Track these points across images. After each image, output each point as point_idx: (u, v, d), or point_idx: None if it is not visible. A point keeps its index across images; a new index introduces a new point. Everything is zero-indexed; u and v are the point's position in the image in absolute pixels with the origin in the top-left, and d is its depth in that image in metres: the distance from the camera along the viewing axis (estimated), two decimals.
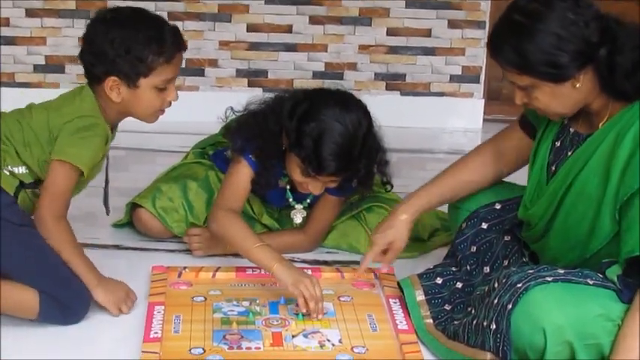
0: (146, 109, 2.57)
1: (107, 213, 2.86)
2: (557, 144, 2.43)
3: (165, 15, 4.28)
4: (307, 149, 2.62)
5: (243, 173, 2.82)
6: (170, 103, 2.60)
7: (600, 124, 2.30)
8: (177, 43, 2.57)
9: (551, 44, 2.18)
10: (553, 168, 2.41)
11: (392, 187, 3.03)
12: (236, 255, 2.95)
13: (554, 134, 2.45)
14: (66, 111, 2.54)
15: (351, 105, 2.73)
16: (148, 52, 2.49)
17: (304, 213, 3.03)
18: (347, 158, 2.65)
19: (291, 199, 3.01)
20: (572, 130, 2.39)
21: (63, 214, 2.54)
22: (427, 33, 4.43)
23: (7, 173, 2.52)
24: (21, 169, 2.54)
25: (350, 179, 2.82)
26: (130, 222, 3.13)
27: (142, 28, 2.50)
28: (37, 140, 2.53)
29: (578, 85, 2.23)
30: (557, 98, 2.27)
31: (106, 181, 2.76)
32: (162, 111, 2.61)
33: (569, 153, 2.37)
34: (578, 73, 2.21)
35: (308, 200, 3.02)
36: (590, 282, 2.21)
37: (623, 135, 2.22)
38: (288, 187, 2.97)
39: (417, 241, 3.06)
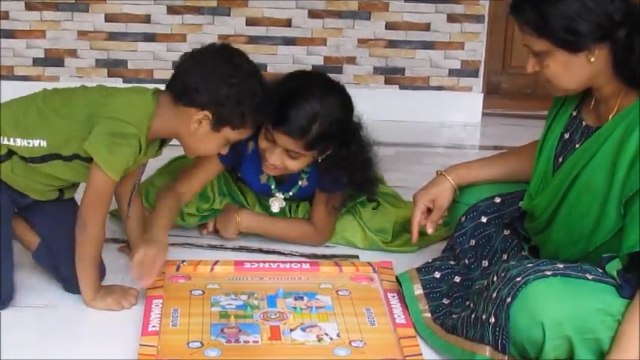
0: (205, 149, 2.60)
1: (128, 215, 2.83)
2: (566, 136, 2.42)
3: (164, 9, 4.31)
4: (279, 99, 2.67)
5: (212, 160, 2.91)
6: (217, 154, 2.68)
7: (610, 116, 2.30)
8: (268, 117, 2.64)
9: (575, 11, 2.17)
10: (560, 159, 2.40)
11: (378, 203, 3.05)
12: (236, 250, 2.96)
13: (562, 125, 2.44)
14: (112, 102, 2.52)
15: (338, 93, 2.77)
16: (252, 115, 2.52)
17: (283, 203, 3.04)
18: (307, 123, 2.67)
19: (273, 186, 3.01)
20: (584, 123, 2.39)
21: (106, 216, 2.56)
22: (426, 27, 4.43)
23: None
24: (37, 142, 2.52)
25: (316, 161, 2.82)
26: None
27: (258, 91, 2.52)
28: (72, 115, 2.51)
29: (592, 60, 2.22)
30: (569, 69, 2.25)
31: (134, 187, 2.75)
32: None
33: (577, 145, 2.36)
34: (594, 47, 2.20)
35: (290, 192, 3.03)
36: (590, 277, 2.21)
37: (632, 129, 2.21)
38: (268, 176, 2.97)
39: None
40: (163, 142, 2.65)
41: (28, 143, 2.52)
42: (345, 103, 2.79)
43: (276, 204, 3.05)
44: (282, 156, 2.76)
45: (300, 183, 3.01)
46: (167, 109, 2.53)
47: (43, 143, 2.51)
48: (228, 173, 3.10)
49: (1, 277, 2.54)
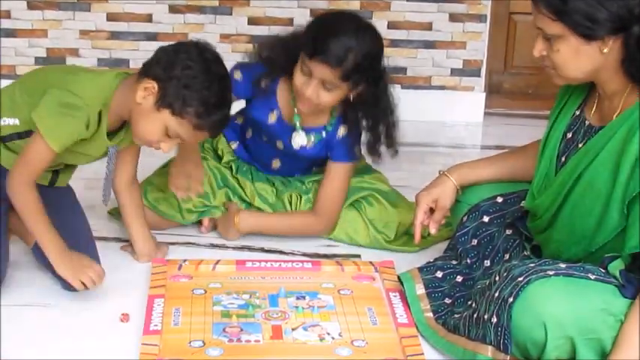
0: (144, 133, 2.55)
1: (104, 203, 2.84)
2: (569, 135, 2.42)
3: (166, 8, 4.31)
4: (316, 32, 2.78)
5: None
6: (159, 149, 2.59)
7: (614, 116, 2.29)
8: (215, 127, 2.57)
9: None
10: (563, 159, 2.40)
11: (396, 152, 3.05)
12: (238, 248, 2.96)
13: (565, 125, 2.44)
14: (69, 78, 2.54)
15: (372, 29, 2.86)
16: (195, 107, 2.48)
17: (304, 140, 3.02)
18: (344, 53, 2.73)
19: (298, 123, 3.00)
20: (587, 122, 2.38)
21: (32, 182, 2.52)
22: (428, 26, 4.42)
23: None
24: (10, 121, 2.55)
25: (349, 95, 2.86)
26: None
27: (213, 90, 2.50)
28: (34, 91, 2.54)
29: (605, 50, 2.21)
30: (579, 57, 2.23)
31: (107, 176, 2.75)
32: (150, 144, 2.59)
33: (580, 145, 2.35)
34: (609, 38, 2.19)
35: (312, 137, 3.02)
36: (592, 277, 2.21)
37: (635, 130, 2.20)
38: (296, 111, 2.97)
39: None
40: (121, 128, 2.66)
41: (4, 122, 2.56)
42: (379, 38, 2.87)
43: (298, 140, 3.02)
44: (318, 88, 2.80)
45: (322, 134, 3.03)
46: (128, 87, 2.55)
47: (16, 121, 2.56)
48: (226, 163, 3.15)
49: None
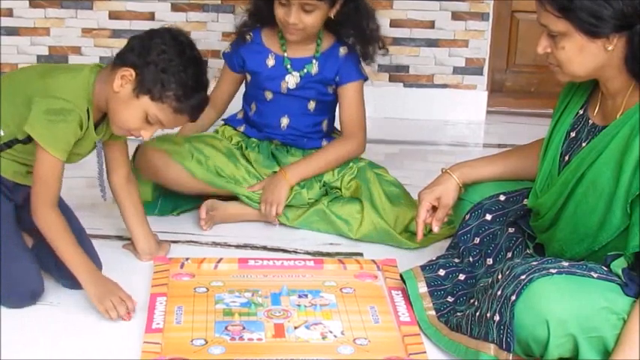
0: (124, 121, 2.55)
1: (103, 198, 2.83)
2: (572, 134, 2.41)
3: (168, 6, 4.30)
4: None
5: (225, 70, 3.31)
6: (139, 137, 2.59)
7: (618, 115, 2.29)
8: (194, 110, 2.58)
9: None
10: (566, 158, 2.40)
11: (387, 50, 3.28)
12: (240, 247, 2.96)
13: (568, 124, 2.43)
14: (49, 82, 2.53)
15: None
16: (174, 90, 2.49)
17: (298, 79, 3.18)
18: None
19: (289, 66, 3.17)
20: (590, 121, 2.38)
21: (54, 202, 2.52)
22: (430, 25, 4.42)
23: None
24: None
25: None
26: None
27: (189, 72, 2.52)
28: (14, 99, 2.53)
29: (609, 48, 2.20)
30: (583, 55, 2.23)
31: (100, 170, 2.75)
32: (130, 133, 2.59)
33: (584, 144, 2.35)
34: (613, 35, 2.19)
35: (305, 70, 3.17)
36: (595, 275, 2.20)
37: (637, 130, 2.20)
38: (285, 54, 3.18)
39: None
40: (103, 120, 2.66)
41: None
42: None
43: (292, 80, 3.19)
44: (299, 13, 3.01)
45: (313, 63, 3.18)
46: (104, 79, 2.55)
47: (0, 132, 2.55)
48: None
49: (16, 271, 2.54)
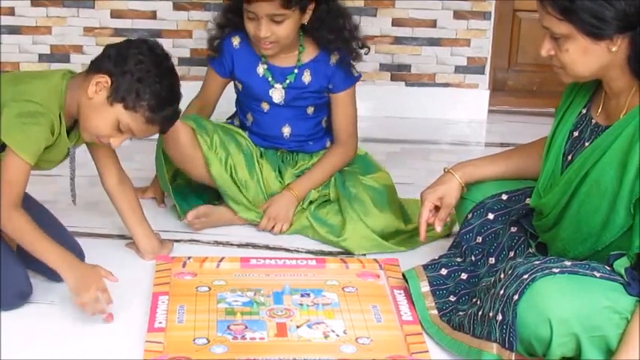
0: (95, 128, 2.55)
1: (74, 203, 2.81)
2: (575, 133, 2.41)
3: (170, 5, 4.30)
4: None
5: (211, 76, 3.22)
6: (108, 144, 2.59)
7: (621, 115, 2.29)
8: (166, 122, 2.61)
9: None
10: (569, 157, 2.40)
11: (368, 49, 3.19)
12: (242, 246, 2.96)
13: (571, 123, 2.43)
14: (22, 88, 2.53)
15: None
16: (148, 100, 2.51)
17: (283, 93, 3.12)
18: None
19: (270, 78, 3.11)
20: (593, 121, 2.38)
21: (17, 204, 2.49)
22: (432, 24, 4.42)
23: None
24: None
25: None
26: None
27: (164, 84, 2.53)
28: None
29: (613, 49, 2.20)
30: (587, 57, 2.23)
31: (72, 175, 2.74)
32: (99, 140, 2.59)
33: (587, 144, 2.35)
34: (617, 36, 2.18)
35: (287, 81, 3.11)
36: (597, 274, 2.20)
37: None
38: (265, 66, 3.11)
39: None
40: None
41: None
42: None
43: (277, 94, 3.13)
44: (269, 25, 2.94)
45: (302, 76, 3.12)
46: (77, 85, 2.56)
47: None
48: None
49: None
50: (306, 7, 2.98)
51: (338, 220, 3.08)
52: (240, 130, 3.22)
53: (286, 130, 3.18)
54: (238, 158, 3.11)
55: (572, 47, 2.22)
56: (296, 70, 3.11)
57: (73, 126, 2.63)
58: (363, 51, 3.15)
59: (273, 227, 3.09)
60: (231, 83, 3.24)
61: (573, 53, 2.23)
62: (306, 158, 3.23)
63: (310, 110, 3.18)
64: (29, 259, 2.56)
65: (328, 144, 3.25)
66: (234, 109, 3.31)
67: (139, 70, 2.51)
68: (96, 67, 2.56)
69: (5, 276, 2.51)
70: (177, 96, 2.61)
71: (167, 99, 2.55)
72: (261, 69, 3.12)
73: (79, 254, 2.67)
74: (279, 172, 3.19)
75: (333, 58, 3.11)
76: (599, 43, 2.20)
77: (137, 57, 2.52)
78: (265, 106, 3.16)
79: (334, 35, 3.07)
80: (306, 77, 3.12)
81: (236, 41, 3.13)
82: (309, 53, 3.12)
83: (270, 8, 2.89)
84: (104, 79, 2.51)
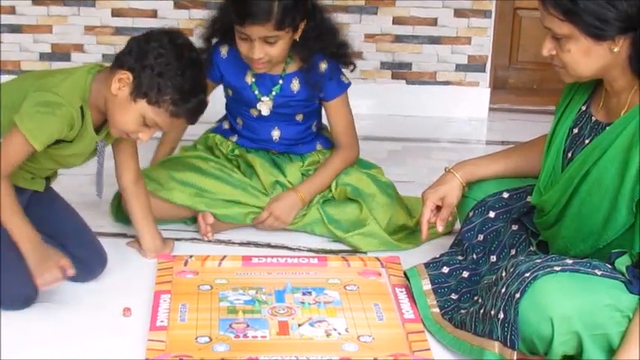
0: (122, 124, 2.55)
1: (99, 196, 2.83)
2: (575, 130, 2.42)
3: (171, 4, 4.31)
4: (232, 0, 2.90)
5: None
6: (137, 139, 2.60)
7: (622, 113, 2.29)
8: (192, 114, 2.58)
9: None
10: (569, 155, 2.40)
11: (354, 66, 3.18)
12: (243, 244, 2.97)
13: (571, 120, 2.43)
14: (44, 81, 2.53)
15: None
16: (170, 94, 2.49)
17: (270, 104, 3.10)
18: (267, 5, 2.83)
19: (257, 92, 3.09)
20: (593, 118, 2.38)
21: (6, 174, 2.47)
22: (433, 22, 4.42)
23: None
24: None
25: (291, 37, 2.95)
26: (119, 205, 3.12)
27: (187, 76, 2.51)
28: (13, 105, 2.52)
29: (615, 50, 2.20)
30: (589, 57, 2.23)
31: (99, 170, 2.74)
32: (128, 135, 2.59)
33: (587, 141, 2.35)
34: (619, 37, 2.19)
35: (273, 92, 3.09)
36: (599, 273, 2.21)
37: None
38: (253, 79, 3.09)
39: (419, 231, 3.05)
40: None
41: None
42: None
43: (265, 107, 3.11)
44: (262, 46, 2.90)
45: (290, 84, 3.09)
46: (103, 80, 2.55)
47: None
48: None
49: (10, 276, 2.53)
50: (298, 26, 2.95)
51: (345, 216, 3.09)
52: (195, 152, 3.20)
53: (276, 134, 3.16)
54: (208, 182, 3.08)
55: (574, 48, 2.23)
56: (281, 81, 3.09)
57: (105, 120, 2.62)
58: (349, 68, 3.15)
59: (265, 221, 3.08)
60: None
61: (575, 54, 2.24)
62: (298, 159, 3.20)
63: (299, 117, 3.16)
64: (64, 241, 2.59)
65: (319, 147, 3.23)
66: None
67: (159, 65, 2.49)
68: (119, 62, 2.54)
69: (10, 280, 2.50)
70: (201, 87, 2.57)
71: (190, 91, 2.52)
72: (249, 78, 3.09)
73: (102, 262, 2.70)
74: (277, 165, 3.19)
75: (323, 66, 3.08)
76: (601, 44, 2.20)
77: (157, 50, 2.50)
78: (254, 112, 3.13)
79: (323, 50, 3.06)
80: (295, 85, 3.09)
81: (224, 50, 3.11)
82: (297, 62, 3.09)
83: (263, 31, 2.86)
84: (126, 76, 2.50)
